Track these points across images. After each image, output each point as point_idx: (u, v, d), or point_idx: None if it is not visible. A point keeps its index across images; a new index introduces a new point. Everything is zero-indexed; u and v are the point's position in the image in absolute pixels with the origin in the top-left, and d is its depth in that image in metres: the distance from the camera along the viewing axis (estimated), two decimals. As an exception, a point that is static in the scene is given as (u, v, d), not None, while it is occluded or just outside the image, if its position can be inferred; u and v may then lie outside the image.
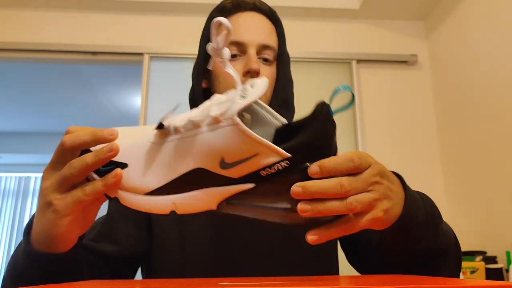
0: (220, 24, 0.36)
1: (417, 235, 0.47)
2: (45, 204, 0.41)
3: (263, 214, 0.38)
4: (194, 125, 0.37)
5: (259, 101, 0.41)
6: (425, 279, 0.39)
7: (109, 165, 0.39)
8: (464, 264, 1.54)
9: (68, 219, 0.40)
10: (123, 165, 0.39)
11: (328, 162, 0.36)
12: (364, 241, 0.64)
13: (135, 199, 0.39)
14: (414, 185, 2.01)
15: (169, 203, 0.38)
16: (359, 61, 2.29)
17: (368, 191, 0.38)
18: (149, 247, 0.68)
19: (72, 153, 0.40)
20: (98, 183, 0.39)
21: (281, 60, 0.76)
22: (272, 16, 0.77)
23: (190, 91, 0.77)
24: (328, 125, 0.37)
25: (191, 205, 0.38)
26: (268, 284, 0.34)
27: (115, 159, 0.39)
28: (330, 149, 0.37)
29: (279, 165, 0.36)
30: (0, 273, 5.00)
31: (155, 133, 0.40)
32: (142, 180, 0.38)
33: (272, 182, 0.36)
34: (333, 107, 0.37)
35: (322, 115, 0.36)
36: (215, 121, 0.36)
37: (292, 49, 2.63)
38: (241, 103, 0.36)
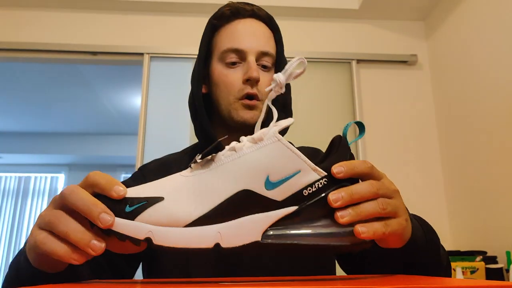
0: (301, 63, 0.38)
1: (418, 256, 0.49)
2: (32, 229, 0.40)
3: (306, 239, 0.37)
4: (236, 149, 0.38)
5: (283, 139, 0.41)
6: (425, 279, 0.39)
7: (140, 202, 0.36)
8: (464, 264, 1.54)
9: (38, 256, 0.39)
10: (158, 199, 0.36)
11: (348, 162, 0.39)
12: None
13: (174, 233, 0.35)
14: (414, 186, 2.02)
15: (213, 233, 0.35)
16: (359, 61, 2.29)
17: (391, 198, 0.40)
18: (152, 246, 0.69)
19: (66, 208, 0.37)
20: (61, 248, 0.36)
21: (280, 66, 0.76)
22: (270, 22, 0.78)
23: (190, 96, 0.77)
24: (349, 151, 0.40)
25: (237, 236, 0.35)
26: (268, 284, 0.34)
27: (148, 194, 0.36)
28: None
29: (319, 183, 0.38)
30: (0, 272, 5.00)
31: (189, 169, 0.39)
32: (183, 210, 0.36)
33: (313, 203, 0.37)
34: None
35: (343, 143, 0.40)
36: (259, 140, 0.38)
37: (292, 49, 2.63)
38: (278, 128, 0.38)
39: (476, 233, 1.89)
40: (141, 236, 0.35)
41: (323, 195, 0.38)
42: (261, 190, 0.36)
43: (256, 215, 0.36)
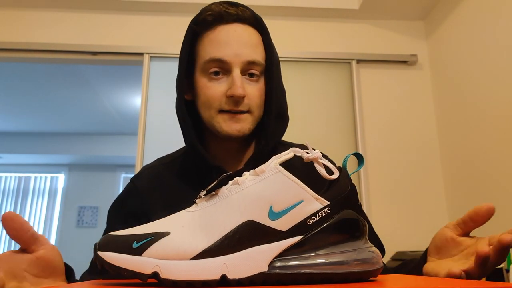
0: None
1: None
2: None
3: (313, 269, 0.37)
4: (239, 183, 0.39)
5: (284, 170, 0.41)
6: (425, 279, 0.39)
7: (146, 238, 0.37)
8: (464, 264, 1.54)
9: None
10: (164, 234, 0.37)
11: None
12: None
13: (180, 266, 0.35)
14: (414, 186, 2.02)
15: (219, 264, 0.35)
16: (359, 61, 2.29)
17: None
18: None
19: None
20: None
21: (271, 71, 0.70)
22: (257, 24, 0.71)
23: (176, 102, 0.73)
24: (350, 182, 0.41)
25: (243, 267, 0.36)
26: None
27: (155, 230, 0.37)
28: (357, 199, 0.41)
29: (322, 211, 0.38)
30: None
31: (194, 205, 0.40)
32: (188, 244, 0.36)
33: (318, 232, 0.38)
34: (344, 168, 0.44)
35: (344, 174, 0.41)
36: (261, 172, 0.39)
37: (292, 49, 2.62)
38: (279, 160, 0.39)
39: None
40: (148, 271, 0.35)
41: (327, 224, 0.38)
42: (265, 220, 0.37)
43: (262, 246, 0.37)
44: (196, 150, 0.70)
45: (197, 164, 0.72)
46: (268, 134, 0.71)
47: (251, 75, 0.68)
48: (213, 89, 0.67)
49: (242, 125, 0.68)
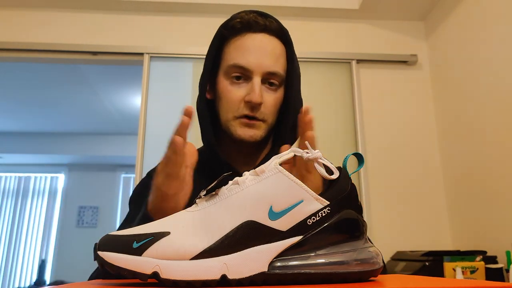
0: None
1: None
2: None
3: (313, 268, 0.37)
4: (239, 183, 0.39)
5: (284, 170, 0.41)
6: (424, 279, 0.40)
7: (147, 238, 0.37)
8: (464, 264, 1.54)
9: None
10: (164, 234, 0.37)
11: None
12: None
13: (180, 266, 0.35)
14: (414, 186, 2.02)
15: (219, 264, 0.35)
16: (359, 61, 2.29)
17: None
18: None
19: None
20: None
21: (291, 82, 0.73)
22: (283, 36, 0.75)
23: (197, 100, 0.77)
24: (350, 181, 0.41)
25: (243, 267, 0.36)
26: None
27: (155, 230, 0.37)
28: (357, 199, 0.41)
29: (322, 211, 0.38)
30: (0, 272, 5.00)
31: (194, 205, 0.40)
32: (188, 244, 0.36)
33: (318, 232, 0.38)
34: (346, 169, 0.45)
35: (344, 174, 0.41)
36: (261, 172, 0.39)
37: (292, 49, 2.56)
38: (279, 160, 0.40)
39: (476, 233, 1.89)
40: (148, 271, 0.35)
41: (327, 224, 0.38)
42: (265, 220, 0.37)
43: (262, 246, 0.37)
44: (212, 148, 0.73)
45: (211, 163, 0.74)
46: (282, 144, 0.72)
47: (271, 84, 0.72)
48: (233, 93, 0.71)
49: (255, 131, 0.71)
